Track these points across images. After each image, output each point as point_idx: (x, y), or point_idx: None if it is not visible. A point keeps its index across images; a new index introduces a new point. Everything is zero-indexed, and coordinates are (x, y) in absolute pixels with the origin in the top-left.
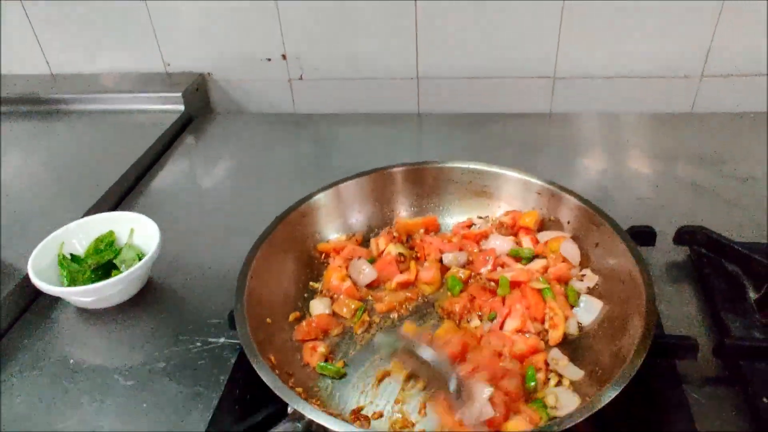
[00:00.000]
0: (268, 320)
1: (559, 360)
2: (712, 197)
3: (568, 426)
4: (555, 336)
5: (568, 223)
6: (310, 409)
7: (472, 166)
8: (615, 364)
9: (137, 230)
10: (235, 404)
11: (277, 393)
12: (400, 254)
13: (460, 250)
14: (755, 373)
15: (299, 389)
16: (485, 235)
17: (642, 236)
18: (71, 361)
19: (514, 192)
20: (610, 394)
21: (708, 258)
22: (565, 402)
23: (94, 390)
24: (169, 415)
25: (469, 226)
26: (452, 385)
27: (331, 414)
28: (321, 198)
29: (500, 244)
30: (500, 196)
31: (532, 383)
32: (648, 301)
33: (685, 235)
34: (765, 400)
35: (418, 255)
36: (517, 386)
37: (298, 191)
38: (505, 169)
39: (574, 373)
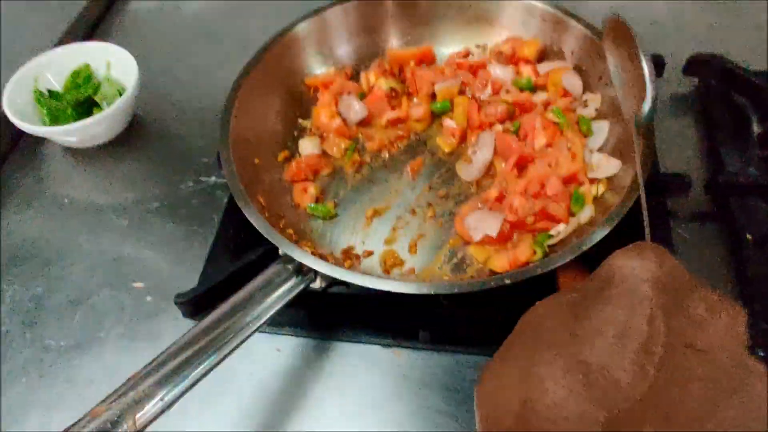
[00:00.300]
0: (256, 160)
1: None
2: (734, 19)
3: (549, 268)
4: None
5: (572, 53)
6: (299, 252)
7: None
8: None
9: (114, 63)
10: (229, 242)
11: (267, 236)
12: (392, 89)
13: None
14: (743, 209)
15: (290, 231)
16: (483, 65)
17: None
18: (64, 200)
19: (516, 17)
20: (595, 237)
21: (716, 89)
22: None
23: (90, 228)
24: (166, 252)
25: (466, 56)
26: None
27: (321, 255)
28: (304, 27)
29: (499, 73)
30: (501, 23)
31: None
32: (646, 140)
33: (696, 65)
34: (749, 236)
35: (410, 90)
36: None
37: (288, 15)
38: None
39: (613, 166)
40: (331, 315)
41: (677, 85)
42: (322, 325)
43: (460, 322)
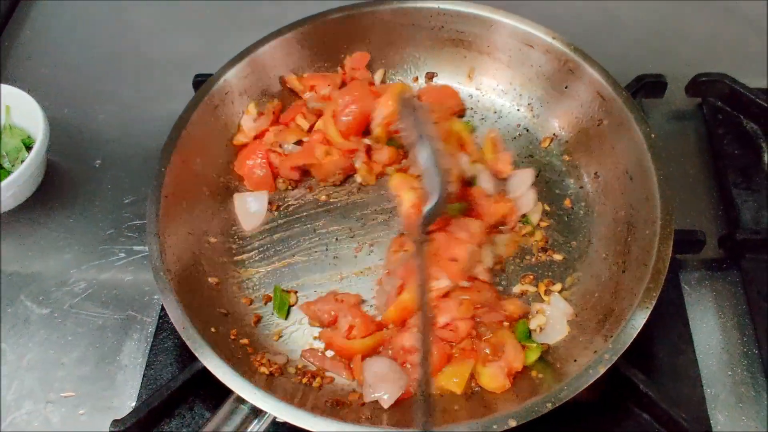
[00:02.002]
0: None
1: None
2: (744, 26)
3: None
4: None
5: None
6: (259, 395)
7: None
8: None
9: (14, 107)
10: (172, 337)
11: (224, 381)
12: None
13: None
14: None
15: (244, 341)
16: None
17: (650, 87)
18: None
19: (505, 45)
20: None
21: (724, 113)
22: (553, 329)
23: (5, 323)
24: (99, 347)
25: None
26: None
27: (280, 370)
28: (234, 73)
29: None
30: (484, 49)
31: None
32: (663, 218)
33: (700, 85)
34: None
35: None
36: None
37: (214, 36)
38: (494, 13)
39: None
40: None
41: (678, 104)
42: None
43: None
